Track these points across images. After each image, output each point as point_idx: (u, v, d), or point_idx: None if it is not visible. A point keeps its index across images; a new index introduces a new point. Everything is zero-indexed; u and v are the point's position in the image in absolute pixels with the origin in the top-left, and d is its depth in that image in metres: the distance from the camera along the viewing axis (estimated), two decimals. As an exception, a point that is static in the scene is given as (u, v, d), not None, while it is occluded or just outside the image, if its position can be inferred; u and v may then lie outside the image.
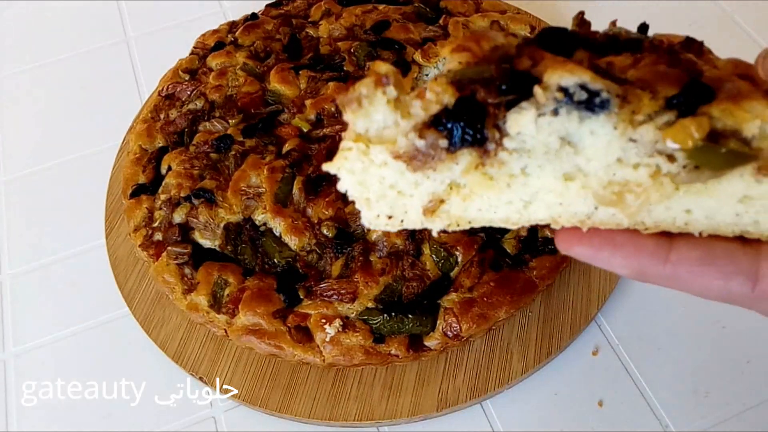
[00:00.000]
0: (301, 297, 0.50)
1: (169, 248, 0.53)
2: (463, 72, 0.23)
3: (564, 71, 0.21)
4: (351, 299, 0.49)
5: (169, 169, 0.58)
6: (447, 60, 0.24)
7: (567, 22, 0.75)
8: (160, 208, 0.56)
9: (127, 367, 0.54)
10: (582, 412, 0.49)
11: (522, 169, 0.23)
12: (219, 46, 0.67)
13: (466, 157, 0.23)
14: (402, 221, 0.26)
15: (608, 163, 0.23)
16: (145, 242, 0.55)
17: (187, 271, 0.52)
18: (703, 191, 0.23)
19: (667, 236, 0.23)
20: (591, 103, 0.22)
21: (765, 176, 0.22)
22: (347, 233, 0.52)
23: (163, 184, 0.57)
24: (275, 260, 0.52)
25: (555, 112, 0.22)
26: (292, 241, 0.52)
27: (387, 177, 0.25)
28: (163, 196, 0.56)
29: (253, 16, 0.70)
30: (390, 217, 0.26)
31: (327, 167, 0.25)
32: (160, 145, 0.61)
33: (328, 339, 0.48)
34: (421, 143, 0.23)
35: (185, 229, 0.54)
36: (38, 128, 0.74)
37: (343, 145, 0.25)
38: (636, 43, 0.25)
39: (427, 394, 0.49)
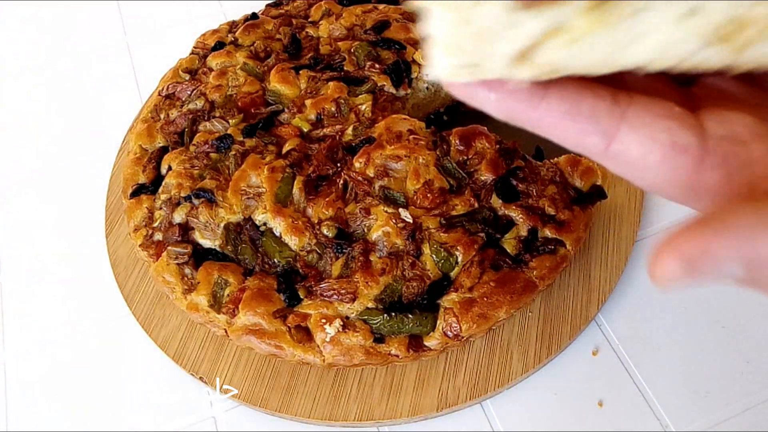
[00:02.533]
0: (302, 297, 0.50)
1: (169, 248, 0.53)
2: None
3: None
4: (351, 299, 0.49)
5: (170, 168, 0.58)
6: None
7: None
8: (161, 208, 0.56)
9: (127, 367, 0.54)
10: (582, 412, 0.49)
11: (638, 9, 0.20)
12: (219, 45, 0.67)
13: None
14: (483, 70, 0.22)
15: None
16: (145, 242, 0.55)
17: (187, 271, 0.52)
18: None
19: (543, 84, 0.23)
20: None
21: None
22: (347, 233, 0.52)
23: (163, 183, 0.57)
24: (275, 260, 0.52)
25: None
26: (293, 241, 0.52)
27: (490, 15, 0.21)
28: (163, 196, 0.56)
29: (254, 16, 0.70)
30: (469, 66, 0.22)
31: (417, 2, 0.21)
32: (161, 144, 0.61)
33: (328, 339, 0.48)
34: None
35: (185, 229, 0.54)
36: (38, 128, 0.74)
37: None
38: None
39: (427, 394, 0.49)
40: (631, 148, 0.23)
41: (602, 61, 0.22)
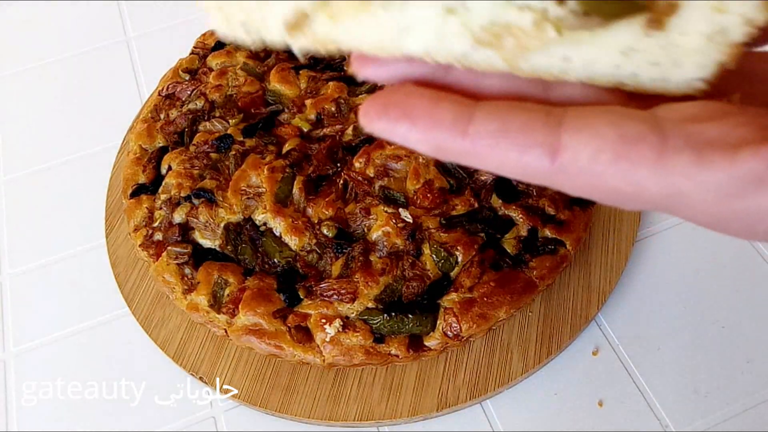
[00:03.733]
0: (302, 297, 0.50)
1: (169, 248, 0.53)
2: None
3: None
4: (351, 299, 0.49)
5: (170, 168, 0.58)
6: None
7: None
8: (161, 208, 0.56)
9: (127, 367, 0.54)
10: (582, 412, 0.49)
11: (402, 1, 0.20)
12: (219, 45, 0.67)
13: None
14: (259, 32, 0.22)
15: (493, 1, 0.20)
16: (145, 242, 0.55)
17: (187, 270, 0.52)
18: (586, 40, 0.21)
19: (468, 107, 0.21)
20: None
21: (654, 29, 0.21)
22: (347, 233, 0.52)
23: (163, 183, 0.57)
24: (275, 260, 0.52)
25: None
26: (293, 241, 0.52)
27: None
28: (163, 196, 0.56)
29: (254, 15, 0.70)
30: (245, 26, 0.22)
31: None
32: (161, 144, 0.61)
33: (328, 339, 0.48)
34: None
35: (185, 228, 0.54)
36: (38, 128, 0.74)
37: None
38: None
39: (427, 394, 0.49)
40: (580, 154, 0.20)
41: (382, 43, 0.22)
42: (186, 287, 0.52)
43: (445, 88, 0.22)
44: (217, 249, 0.53)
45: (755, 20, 0.20)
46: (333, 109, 0.58)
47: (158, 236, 0.55)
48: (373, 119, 0.21)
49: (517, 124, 0.20)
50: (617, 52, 0.21)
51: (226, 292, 0.51)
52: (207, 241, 0.53)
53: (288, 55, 0.65)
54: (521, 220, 0.51)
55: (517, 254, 0.50)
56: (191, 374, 0.52)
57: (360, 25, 0.21)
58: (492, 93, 0.22)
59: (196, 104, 0.62)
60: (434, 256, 0.50)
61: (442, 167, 0.54)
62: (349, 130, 0.57)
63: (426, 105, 0.21)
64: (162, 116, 0.63)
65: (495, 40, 0.21)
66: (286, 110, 0.60)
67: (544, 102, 0.22)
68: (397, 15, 0.21)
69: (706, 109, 0.21)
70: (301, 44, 0.22)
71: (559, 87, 0.22)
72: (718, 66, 0.21)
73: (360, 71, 0.23)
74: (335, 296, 0.49)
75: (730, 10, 0.20)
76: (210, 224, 0.53)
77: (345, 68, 0.62)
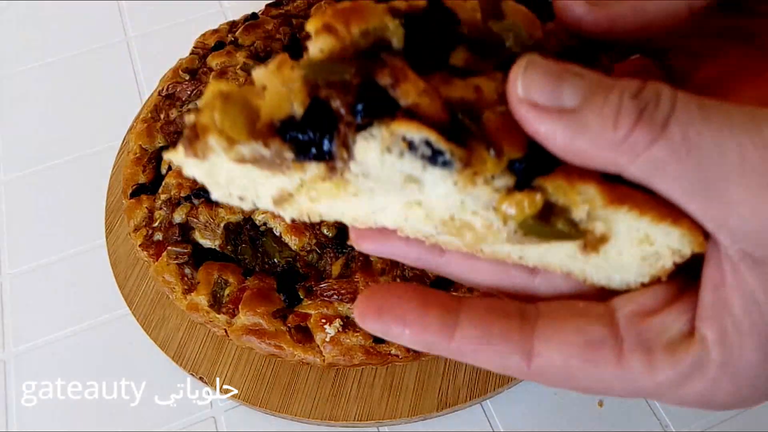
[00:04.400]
0: (301, 297, 0.50)
1: (169, 248, 0.53)
2: (322, 68, 0.21)
3: (410, 126, 0.20)
4: (351, 299, 0.49)
5: (169, 168, 0.58)
6: (312, 40, 0.22)
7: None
8: (161, 208, 0.56)
9: (127, 367, 0.54)
10: (582, 412, 0.49)
11: (369, 188, 0.23)
12: (219, 45, 0.67)
13: (314, 168, 0.22)
14: (254, 203, 0.25)
15: (448, 205, 0.23)
16: (145, 242, 0.55)
17: (187, 270, 0.52)
18: (533, 246, 0.24)
19: (453, 312, 0.24)
20: (434, 159, 0.21)
21: (589, 253, 0.23)
22: (347, 233, 0.52)
23: (163, 183, 0.57)
24: (275, 260, 0.52)
25: (401, 154, 0.21)
26: (292, 241, 0.52)
27: (235, 170, 0.23)
28: (163, 196, 0.56)
29: (253, 15, 0.70)
30: (242, 199, 0.24)
31: (170, 156, 0.23)
32: (161, 144, 0.61)
33: (328, 339, 0.48)
34: (266, 152, 0.21)
35: (185, 228, 0.54)
36: (38, 128, 0.74)
37: (186, 134, 0.22)
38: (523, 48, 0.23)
39: (427, 394, 0.49)
40: (553, 359, 0.23)
41: (359, 218, 0.25)
42: (186, 287, 0.52)
43: (438, 270, 0.27)
44: (217, 249, 0.53)
45: (682, 251, 0.22)
46: (333, 109, 0.58)
47: (158, 236, 0.55)
48: (368, 320, 0.24)
49: (497, 331, 0.23)
50: (563, 255, 0.24)
51: (226, 292, 0.51)
52: (207, 241, 0.53)
53: (288, 55, 0.65)
54: (521, 220, 0.51)
55: (517, 254, 0.50)
56: (191, 374, 0.52)
57: (336, 204, 0.24)
58: (482, 278, 0.26)
59: (196, 104, 0.62)
60: (434, 256, 0.50)
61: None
62: (349, 130, 0.57)
63: (416, 310, 0.23)
64: (162, 116, 0.63)
65: (455, 231, 0.24)
66: (286, 110, 0.60)
67: (526, 290, 0.26)
68: (367, 201, 0.23)
69: (656, 297, 0.23)
70: (289, 214, 0.25)
71: (541, 273, 0.26)
72: (656, 278, 0.24)
73: (360, 245, 0.27)
74: (335, 296, 0.49)
75: (657, 242, 0.23)
76: (210, 224, 0.53)
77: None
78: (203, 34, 0.69)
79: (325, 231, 0.51)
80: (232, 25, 0.70)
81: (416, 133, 0.20)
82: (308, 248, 0.51)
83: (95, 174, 0.66)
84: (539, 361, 0.23)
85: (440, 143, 0.20)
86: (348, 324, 0.48)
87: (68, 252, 0.62)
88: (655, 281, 0.24)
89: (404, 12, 0.22)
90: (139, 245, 0.55)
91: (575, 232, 0.22)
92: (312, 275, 0.50)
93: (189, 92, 0.63)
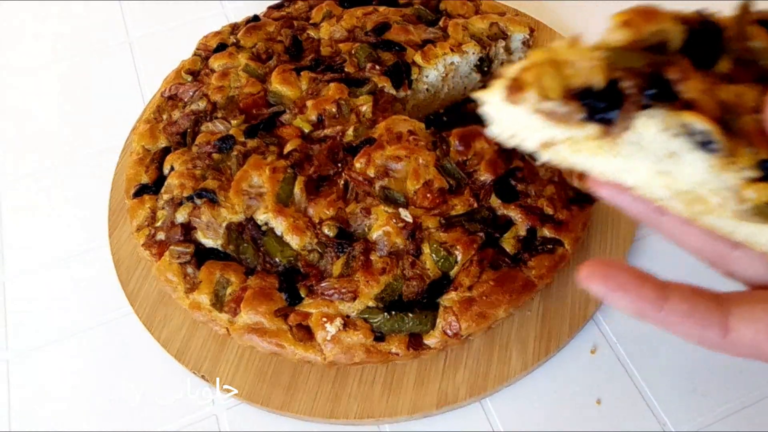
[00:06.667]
0: (303, 296, 0.50)
1: (171, 248, 0.53)
2: (620, 54, 0.27)
3: (696, 117, 0.25)
4: (352, 298, 0.49)
5: (172, 169, 0.58)
6: (611, 27, 0.28)
7: (564, 24, 0.75)
8: (163, 208, 0.56)
9: (130, 366, 0.55)
10: (580, 411, 0.49)
11: (629, 153, 0.28)
12: (221, 47, 0.67)
13: (592, 129, 0.28)
14: (521, 143, 0.30)
15: (694, 181, 0.28)
16: (148, 242, 0.55)
17: (189, 270, 0.53)
18: (750, 225, 0.29)
19: (664, 290, 0.29)
20: (704, 146, 0.26)
21: None
22: (348, 233, 0.52)
23: (165, 184, 0.58)
24: (277, 259, 0.52)
25: (675, 135, 0.26)
26: (294, 241, 0.52)
27: (524, 117, 0.28)
28: (165, 196, 0.57)
29: (255, 17, 0.70)
30: (512, 137, 0.30)
31: (484, 95, 0.29)
32: (163, 145, 0.61)
33: (329, 337, 0.48)
34: (562, 109, 0.27)
35: (188, 228, 0.54)
36: (41, 128, 0.74)
37: (508, 84, 0.28)
38: None
39: (427, 392, 0.50)
40: (744, 334, 0.28)
41: (606, 173, 0.30)
42: (188, 286, 0.52)
43: (657, 226, 0.33)
44: (219, 248, 0.54)
45: None
46: (334, 110, 0.59)
47: (161, 236, 0.55)
48: (594, 283, 0.30)
49: (701, 308, 0.29)
50: None
51: (228, 291, 0.51)
52: (209, 240, 0.54)
53: (289, 57, 0.65)
54: (520, 219, 0.52)
55: (516, 254, 0.51)
56: (193, 373, 0.52)
57: (592, 159, 0.30)
58: (691, 241, 0.32)
59: (199, 105, 0.62)
60: (434, 256, 0.50)
61: (441, 168, 0.54)
62: (350, 131, 0.57)
63: (635, 282, 0.29)
64: (165, 117, 0.63)
65: (688, 201, 0.29)
66: (287, 111, 0.60)
67: (723, 259, 0.32)
68: (622, 162, 0.29)
69: None
70: (547, 157, 0.31)
71: (735, 258, 0.32)
72: None
73: (597, 190, 0.32)
74: (336, 295, 0.49)
75: None
76: (212, 224, 0.54)
77: (345, 69, 0.62)
78: (205, 36, 0.70)
79: (326, 230, 0.52)
80: (234, 27, 0.70)
81: (700, 124, 0.25)
82: (309, 247, 0.52)
83: (98, 174, 0.67)
84: (732, 336, 0.28)
85: (716, 135, 0.26)
86: (349, 323, 0.49)
87: (71, 251, 0.62)
88: None
89: (686, 20, 0.28)
90: (142, 245, 0.56)
91: None
92: (313, 274, 0.51)
93: (191, 93, 0.63)
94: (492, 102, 0.29)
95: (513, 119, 0.29)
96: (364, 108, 0.59)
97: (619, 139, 0.27)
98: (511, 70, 0.28)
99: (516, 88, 0.27)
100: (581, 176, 0.33)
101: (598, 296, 0.30)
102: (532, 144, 0.30)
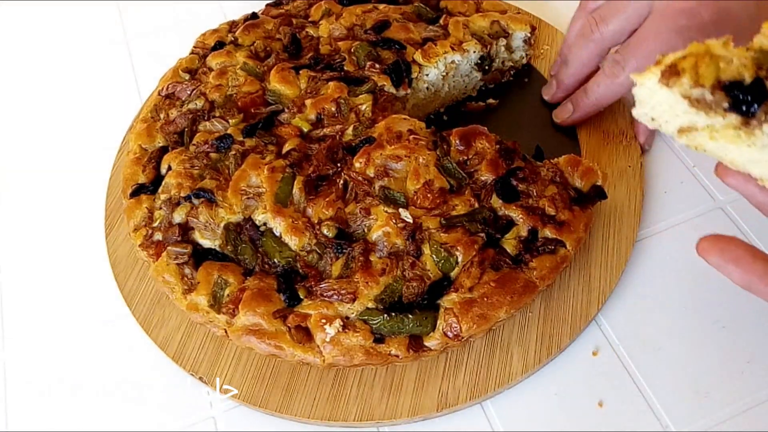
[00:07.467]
0: (302, 297, 0.50)
1: (169, 248, 0.53)
2: (767, 57, 0.31)
3: None
4: (351, 299, 0.49)
5: (169, 168, 0.58)
6: (763, 32, 0.31)
7: (566, 22, 0.75)
8: (160, 208, 0.56)
9: (127, 368, 0.54)
10: (582, 413, 0.49)
11: (763, 145, 0.31)
12: (219, 45, 0.67)
13: (733, 119, 0.31)
14: (660, 126, 0.34)
15: None
16: (145, 242, 0.55)
17: (187, 271, 0.52)
18: None
19: None
20: None
21: None
22: (347, 233, 0.52)
23: (163, 183, 0.57)
24: (275, 260, 0.52)
25: None
26: (293, 241, 0.52)
27: (670, 101, 0.32)
28: (163, 196, 0.56)
29: (253, 15, 0.70)
30: (653, 120, 0.33)
31: (641, 77, 0.33)
32: (160, 144, 0.61)
33: (328, 339, 0.48)
34: (710, 97, 0.30)
35: (185, 228, 0.54)
36: (37, 128, 0.74)
37: (665, 69, 0.32)
38: None
39: (427, 394, 0.49)
40: None
41: (735, 161, 0.33)
42: (186, 287, 0.52)
43: None
44: (217, 249, 0.53)
45: None
46: (333, 109, 0.58)
47: (158, 236, 0.55)
48: (710, 254, 0.34)
49: None
50: None
51: (226, 292, 0.51)
52: (207, 241, 0.53)
53: (288, 55, 0.65)
54: (521, 220, 0.51)
55: (517, 254, 0.50)
56: (191, 374, 0.52)
57: (726, 147, 0.32)
58: None
59: (196, 104, 0.62)
60: (434, 257, 0.50)
61: (442, 167, 0.54)
62: (349, 130, 0.57)
63: (748, 259, 0.33)
64: (162, 116, 0.63)
65: None
66: (286, 110, 0.60)
67: None
68: (754, 152, 0.32)
69: None
70: (682, 141, 0.34)
71: None
72: None
73: (724, 178, 0.35)
74: (335, 296, 0.49)
75: None
76: (210, 224, 0.53)
77: (344, 68, 0.62)
78: (203, 34, 0.69)
79: (325, 231, 0.51)
80: (232, 25, 0.70)
81: None
82: (308, 248, 0.51)
83: (95, 174, 0.66)
84: None
85: None
86: (348, 324, 0.48)
87: (68, 252, 0.62)
88: None
89: None
90: (139, 245, 0.55)
91: None
92: (312, 275, 0.50)
93: (189, 92, 0.63)
94: (644, 84, 0.32)
95: (660, 102, 0.32)
96: (363, 107, 0.59)
97: (757, 130, 0.30)
98: (668, 58, 0.31)
99: (672, 72, 0.31)
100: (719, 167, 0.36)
101: (713, 266, 0.34)
102: (671, 128, 0.33)
